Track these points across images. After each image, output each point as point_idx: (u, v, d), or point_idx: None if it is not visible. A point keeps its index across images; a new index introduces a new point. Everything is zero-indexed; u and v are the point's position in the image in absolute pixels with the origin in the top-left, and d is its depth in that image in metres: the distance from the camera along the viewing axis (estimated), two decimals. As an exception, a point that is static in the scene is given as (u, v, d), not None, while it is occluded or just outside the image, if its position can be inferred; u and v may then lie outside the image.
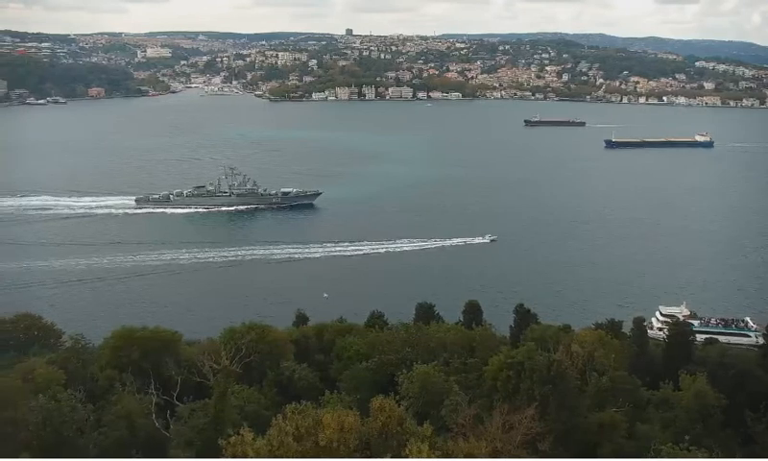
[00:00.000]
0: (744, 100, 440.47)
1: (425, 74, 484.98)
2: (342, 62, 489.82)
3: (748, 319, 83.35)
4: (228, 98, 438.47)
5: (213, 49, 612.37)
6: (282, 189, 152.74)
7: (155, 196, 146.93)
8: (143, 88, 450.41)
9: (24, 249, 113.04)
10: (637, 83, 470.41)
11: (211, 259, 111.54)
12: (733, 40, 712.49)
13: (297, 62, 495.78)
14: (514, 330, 55.94)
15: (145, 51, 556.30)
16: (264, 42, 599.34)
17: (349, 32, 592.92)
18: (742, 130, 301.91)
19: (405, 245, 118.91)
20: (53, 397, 30.91)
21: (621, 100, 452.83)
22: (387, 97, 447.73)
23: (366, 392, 34.57)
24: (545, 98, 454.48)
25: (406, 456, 22.03)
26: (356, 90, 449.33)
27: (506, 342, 50.10)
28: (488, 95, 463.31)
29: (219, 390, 29.88)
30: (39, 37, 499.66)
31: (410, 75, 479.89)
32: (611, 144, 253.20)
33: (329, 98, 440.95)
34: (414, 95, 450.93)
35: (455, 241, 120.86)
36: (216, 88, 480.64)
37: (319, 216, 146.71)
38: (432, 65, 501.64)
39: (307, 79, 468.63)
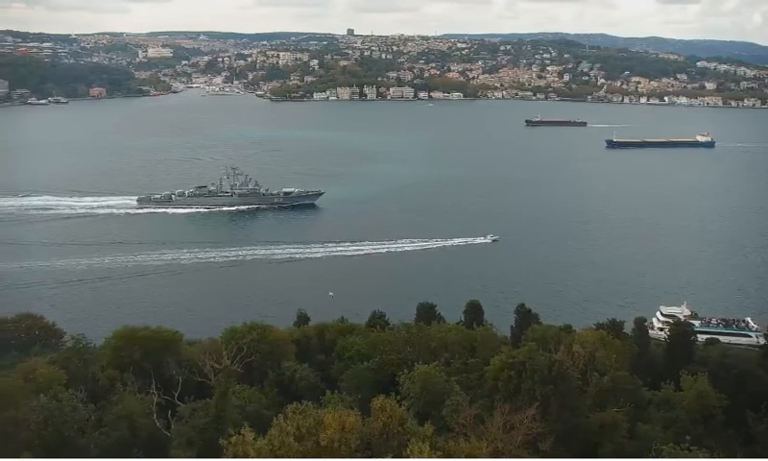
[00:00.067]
0: (745, 100, 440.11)
1: (427, 74, 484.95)
2: (343, 62, 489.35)
3: (749, 319, 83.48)
4: (230, 98, 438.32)
5: (214, 49, 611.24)
6: (284, 189, 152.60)
7: (156, 196, 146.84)
8: (144, 88, 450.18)
9: (25, 249, 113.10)
10: (639, 83, 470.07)
11: (213, 259, 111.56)
12: (735, 40, 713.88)
13: (298, 62, 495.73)
14: (515, 330, 55.94)
15: (146, 51, 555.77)
16: (265, 42, 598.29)
17: (351, 32, 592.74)
18: (743, 130, 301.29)
19: (406, 245, 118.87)
20: (54, 396, 30.93)
21: (622, 100, 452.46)
22: (388, 97, 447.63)
23: (367, 392, 34.52)
24: (546, 98, 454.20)
25: (407, 456, 22.04)
26: (357, 90, 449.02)
27: (507, 342, 50.04)
28: (489, 95, 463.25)
29: (220, 390, 29.90)
30: (41, 37, 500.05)
31: (411, 75, 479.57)
32: (612, 144, 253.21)
33: (330, 98, 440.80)
34: (415, 95, 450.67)
35: (456, 241, 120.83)
36: (217, 88, 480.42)
37: (320, 216, 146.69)
38: (433, 65, 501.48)
39: (308, 79, 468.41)
